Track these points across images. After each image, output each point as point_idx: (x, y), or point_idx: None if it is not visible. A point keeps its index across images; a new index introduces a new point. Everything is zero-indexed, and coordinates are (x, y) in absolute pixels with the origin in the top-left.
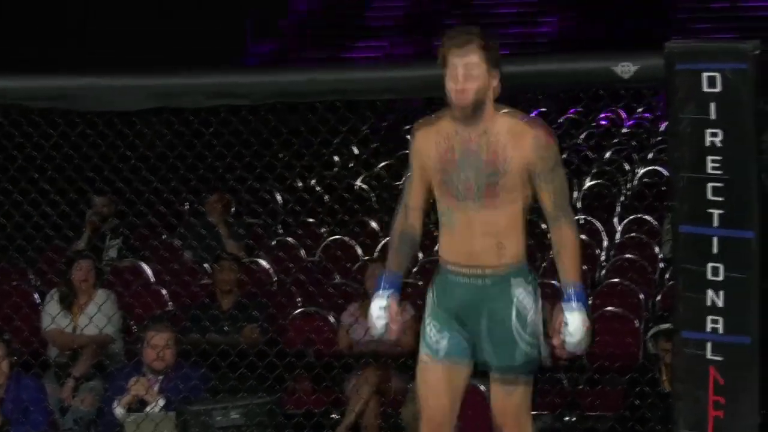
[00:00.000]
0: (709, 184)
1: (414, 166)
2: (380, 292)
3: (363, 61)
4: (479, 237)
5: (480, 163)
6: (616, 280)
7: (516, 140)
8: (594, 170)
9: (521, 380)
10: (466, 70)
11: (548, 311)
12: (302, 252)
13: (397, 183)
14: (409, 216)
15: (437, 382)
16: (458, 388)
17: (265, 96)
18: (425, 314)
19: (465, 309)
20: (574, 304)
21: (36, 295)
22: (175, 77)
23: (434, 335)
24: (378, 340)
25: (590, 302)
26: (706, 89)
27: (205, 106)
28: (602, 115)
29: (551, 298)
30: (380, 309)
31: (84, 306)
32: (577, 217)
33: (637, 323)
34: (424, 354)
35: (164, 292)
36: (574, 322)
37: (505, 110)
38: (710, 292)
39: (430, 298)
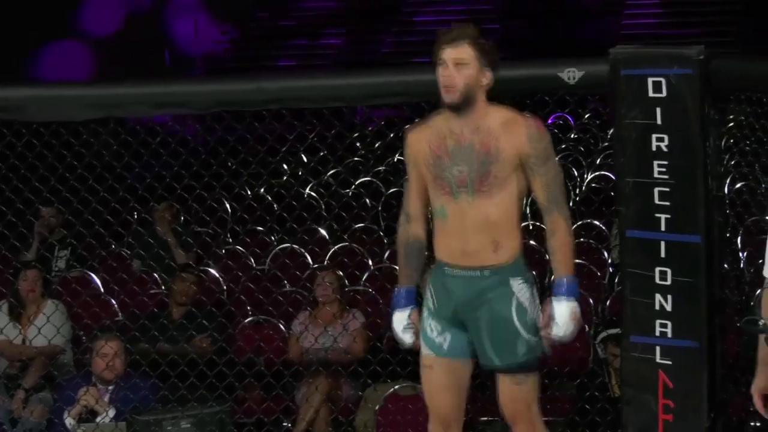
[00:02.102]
0: (656, 189)
1: (410, 172)
2: (400, 307)
3: None
4: (474, 234)
5: (472, 154)
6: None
7: (508, 131)
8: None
9: (527, 375)
10: (456, 64)
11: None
12: (251, 261)
13: (346, 190)
14: (411, 225)
15: (442, 379)
16: (463, 385)
17: (211, 105)
18: (424, 314)
19: (464, 307)
20: (563, 296)
21: None
22: (120, 87)
23: (435, 336)
24: (328, 348)
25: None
26: (651, 94)
27: (151, 116)
28: (550, 121)
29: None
30: (405, 324)
31: (33, 317)
32: (525, 223)
33: (586, 328)
34: (426, 354)
35: (113, 302)
36: (561, 314)
37: (499, 107)
38: (658, 297)
39: (429, 298)
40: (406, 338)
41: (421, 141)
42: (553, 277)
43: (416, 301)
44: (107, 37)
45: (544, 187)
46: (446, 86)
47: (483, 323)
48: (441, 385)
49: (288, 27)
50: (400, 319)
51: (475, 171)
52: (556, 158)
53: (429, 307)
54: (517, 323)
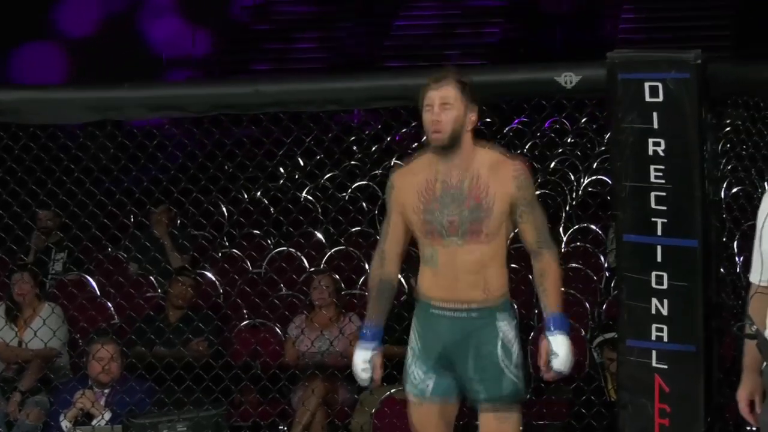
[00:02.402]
0: (653, 193)
1: (392, 212)
2: (364, 345)
3: None
4: (464, 273)
5: (463, 200)
6: (561, 289)
7: (497, 175)
8: (538, 180)
9: (511, 408)
10: (442, 103)
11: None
12: (248, 264)
13: (343, 194)
14: (385, 264)
15: (429, 418)
16: (448, 425)
17: (208, 108)
18: (409, 357)
19: (451, 347)
20: (556, 332)
21: None
22: (117, 90)
23: (420, 379)
24: (324, 351)
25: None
26: (648, 99)
27: (148, 119)
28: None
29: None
30: (364, 362)
31: (29, 320)
32: None
33: (582, 332)
34: (411, 396)
35: (110, 305)
36: (560, 348)
37: (484, 145)
38: (655, 301)
39: (414, 339)
40: (364, 377)
41: (408, 185)
42: (545, 314)
43: (382, 340)
44: (82, 39)
45: (533, 230)
46: (434, 129)
47: (470, 361)
48: (427, 423)
49: (263, 31)
50: (361, 358)
51: (467, 219)
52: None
53: (413, 349)
54: (503, 361)
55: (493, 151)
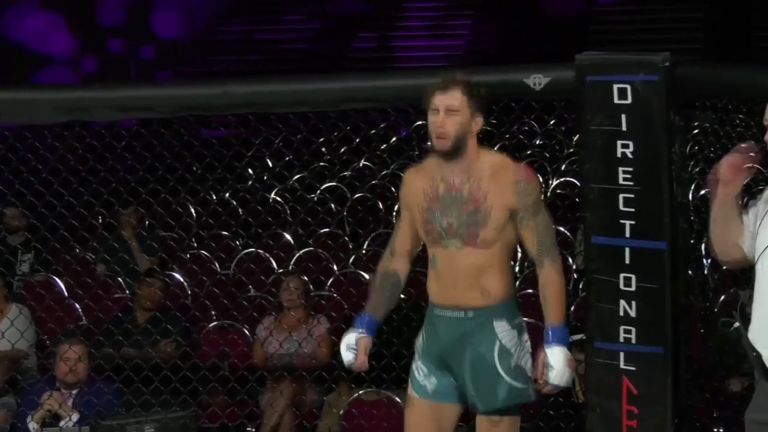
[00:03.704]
0: (621, 195)
1: (403, 212)
2: (353, 328)
3: None
4: (462, 278)
5: (461, 205)
6: (529, 291)
7: (498, 182)
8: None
9: (506, 417)
10: (448, 111)
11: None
12: (216, 265)
13: (311, 195)
14: (393, 260)
15: (425, 418)
16: (446, 427)
17: (177, 109)
18: (415, 355)
19: (450, 350)
20: (554, 344)
21: None
22: (86, 90)
23: (422, 378)
24: (292, 353)
25: None
26: (617, 101)
27: (116, 119)
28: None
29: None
30: (349, 345)
31: None
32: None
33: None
34: (412, 393)
35: (77, 306)
36: (557, 361)
37: (489, 152)
38: (623, 303)
39: (421, 339)
40: (347, 357)
41: (417, 183)
42: (545, 324)
43: (374, 330)
44: None
45: (534, 238)
46: (438, 134)
47: (466, 366)
48: (421, 425)
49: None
50: (348, 339)
51: (464, 224)
52: (545, 206)
53: (419, 347)
54: (498, 367)
55: (497, 155)
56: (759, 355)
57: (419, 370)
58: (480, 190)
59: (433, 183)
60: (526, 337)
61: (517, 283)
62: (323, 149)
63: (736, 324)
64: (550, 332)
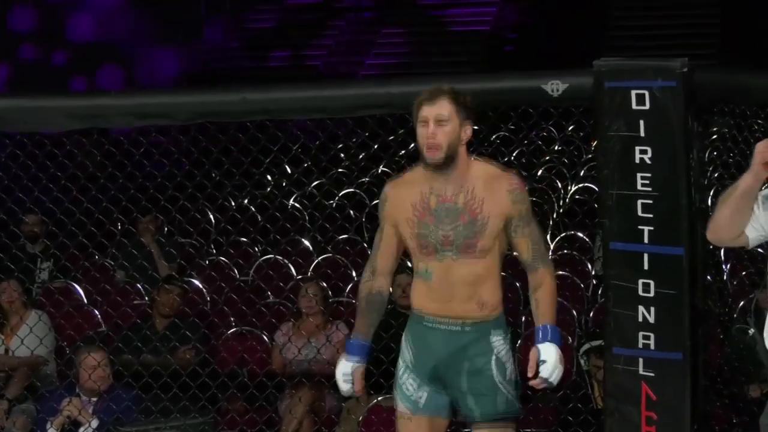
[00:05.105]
0: (639, 201)
1: (384, 227)
2: (346, 357)
3: None
4: (458, 288)
5: (457, 217)
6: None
7: (492, 192)
8: (526, 188)
9: (504, 424)
10: (437, 121)
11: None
12: (235, 272)
13: (330, 201)
14: (375, 279)
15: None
16: None
17: (195, 116)
18: (400, 367)
19: (444, 362)
20: (548, 342)
21: None
22: (104, 98)
23: (412, 392)
24: (311, 359)
25: (524, 319)
26: (635, 107)
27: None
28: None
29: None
30: (345, 374)
31: (16, 327)
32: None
33: (569, 340)
34: (403, 409)
35: (96, 313)
36: (550, 356)
37: (479, 160)
38: (641, 309)
39: (407, 350)
40: (345, 388)
41: (402, 198)
42: (537, 325)
43: (367, 355)
44: None
45: (528, 246)
46: (429, 146)
47: (463, 378)
48: None
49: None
50: (343, 369)
51: (461, 235)
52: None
53: (406, 361)
54: (496, 378)
55: (488, 164)
56: None
57: (408, 384)
58: (475, 199)
59: (422, 196)
60: (509, 344)
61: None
62: (342, 155)
63: (751, 331)
64: (542, 331)
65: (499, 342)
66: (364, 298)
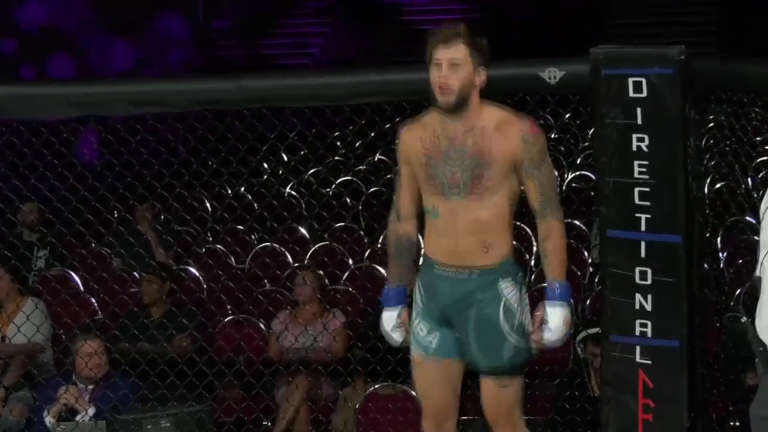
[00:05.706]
0: (636, 189)
1: (402, 169)
2: (389, 308)
3: None
4: (465, 235)
5: (465, 156)
6: (544, 284)
7: (502, 132)
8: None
9: (512, 378)
10: (451, 65)
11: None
12: (231, 260)
13: (326, 189)
14: (402, 223)
15: (434, 376)
16: (455, 383)
17: (192, 103)
18: (413, 314)
19: (452, 307)
20: (556, 300)
21: None
22: (101, 85)
23: (424, 335)
24: (308, 347)
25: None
26: (632, 94)
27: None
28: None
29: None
30: (395, 323)
31: (12, 315)
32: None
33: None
34: (416, 353)
35: (93, 300)
36: (554, 319)
37: (493, 106)
38: (638, 296)
39: (418, 297)
40: (396, 337)
41: (414, 139)
42: (546, 280)
43: (406, 299)
44: None
45: (537, 190)
46: (441, 88)
47: (470, 325)
48: (432, 381)
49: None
50: (389, 318)
51: (468, 173)
52: (549, 160)
53: (418, 306)
54: (504, 326)
55: (501, 110)
56: (766, 349)
57: (420, 329)
58: (484, 140)
59: (434, 137)
60: (525, 291)
61: (533, 277)
62: (338, 143)
63: (743, 318)
64: (552, 289)
65: (507, 289)
66: (393, 243)
